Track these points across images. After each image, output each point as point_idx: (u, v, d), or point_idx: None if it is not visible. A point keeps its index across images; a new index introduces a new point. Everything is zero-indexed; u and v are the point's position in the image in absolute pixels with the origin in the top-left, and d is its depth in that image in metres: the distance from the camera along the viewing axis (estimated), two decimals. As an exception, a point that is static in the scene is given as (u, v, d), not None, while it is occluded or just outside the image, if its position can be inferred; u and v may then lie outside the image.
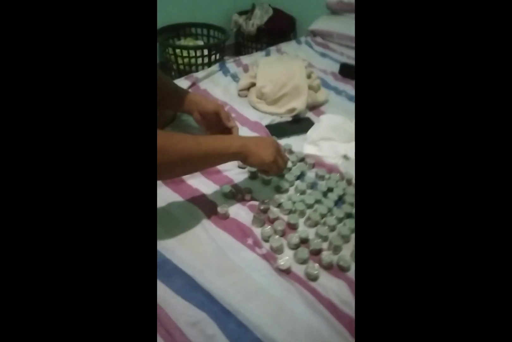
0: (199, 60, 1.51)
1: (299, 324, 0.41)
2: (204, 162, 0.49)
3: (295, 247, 0.50)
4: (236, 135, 0.65)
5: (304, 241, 0.51)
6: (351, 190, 0.60)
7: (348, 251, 0.50)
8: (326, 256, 0.48)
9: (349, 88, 0.95)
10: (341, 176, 0.64)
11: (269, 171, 0.56)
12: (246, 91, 0.88)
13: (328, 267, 0.48)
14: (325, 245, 0.51)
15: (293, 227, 0.53)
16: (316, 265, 0.47)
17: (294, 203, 0.56)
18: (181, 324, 0.39)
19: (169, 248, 0.48)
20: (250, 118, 0.79)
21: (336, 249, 0.50)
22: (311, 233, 0.52)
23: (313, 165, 0.67)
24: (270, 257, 0.48)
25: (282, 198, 0.57)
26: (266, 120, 0.79)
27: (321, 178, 0.63)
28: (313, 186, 0.61)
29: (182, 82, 0.88)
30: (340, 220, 0.55)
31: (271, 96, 0.82)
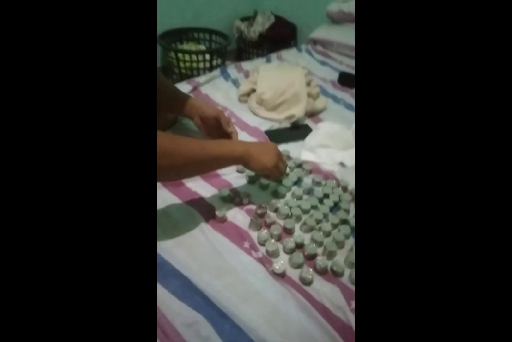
0: (201, 65, 1.53)
1: (293, 327, 0.42)
2: (207, 165, 0.50)
3: (290, 252, 0.51)
4: (238, 140, 0.66)
5: (299, 246, 0.52)
6: (347, 196, 0.61)
7: (342, 257, 0.51)
8: (321, 261, 0.49)
9: (348, 96, 0.97)
10: (337, 183, 0.65)
11: (271, 175, 0.58)
12: (246, 96, 0.90)
13: (322, 272, 0.49)
14: (320, 250, 0.52)
15: (289, 231, 0.54)
16: (311, 269, 0.48)
17: (290, 208, 0.57)
18: (177, 324, 0.40)
19: (167, 249, 0.48)
20: (249, 123, 0.81)
21: (330, 255, 0.51)
22: (306, 238, 0.53)
23: (310, 172, 0.68)
24: (265, 260, 0.49)
25: (279, 203, 0.58)
26: (265, 126, 0.80)
27: (318, 184, 0.64)
28: (309, 191, 0.62)
29: (184, 86, 0.90)
30: (335, 226, 0.56)
31: (270, 103, 0.84)
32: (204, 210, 0.55)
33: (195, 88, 0.92)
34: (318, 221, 0.56)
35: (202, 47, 1.71)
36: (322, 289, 0.46)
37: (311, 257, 0.50)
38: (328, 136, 0.74)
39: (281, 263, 0.48)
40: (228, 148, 0.51)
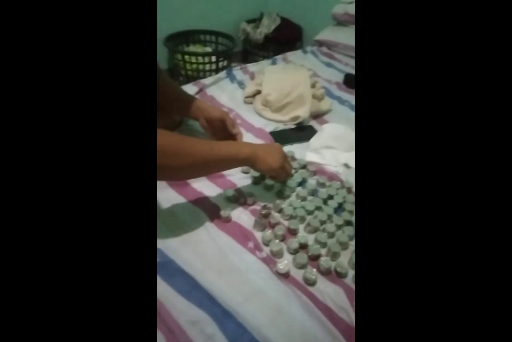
0: (207, 67, 1.55)
1: (296, 327, 0.42)
2: (215, 166, 0.51)
3: (294, 252, 0.51)
4: (245, 142, 0.67)
5: (303, 246, 0.52)
6: (351, 198, 0.61)
7: (346, 258, 0.52)
8: (324, 261, 0.49)
9: (353, 98, 0.97)
10: (341, 184, 0.65)
11: (277, 176, 0.58)
12: (252, 98, 0.91)
13: (326, 273, 0.49)
14: (323, 251, 0.52)
15: (293, 232, 0.55)
16: (314, 270, 0.48)
17: (295, 208, 0.57)
18: (182, 322, 0.40)
19: (172, 248, 0.49)
20: (254, 124, 0.81)
21: (334, 255, 0.51)
22: (310, 238, 0.53)
23: (314, 173, 0.68)
24: (269, 260, 0.49)
25: (283, 204, 0.59)
26: (270, 127, 0.81)
27: (322, 185, 0.65)
28: (314, 193, 0.63)
29: (190, 88, 0.91)
30: (339, 227, 0.56)
31: (275, 104, 0.85)
32: (209, 210, 0.56)
33: (201, 90, 0.93)
34: (322, 222, 0.56)
35: (208, 49, 1.72)
36: (326, 289, 0.47)
37: (315, 258, 0.51)
38: (333, 137, 0.75)
39: (285, 263, 0.48)
40: (235, 150, 0.51)
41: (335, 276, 0.49)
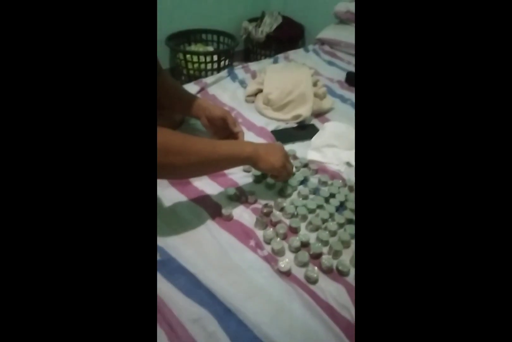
0: (209, 66, 1.55)
1: (297, 325, 0.42)
2: (217, 165, 0.51)
3: (295, 250, 0.51)
4: (247, 141, 0.67)
5: (305, 245, 0.52)
6: (353, 196, 0.61)
7: (347, 256, 0.51)
8: (326, 260, 0.49)
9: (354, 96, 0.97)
10: (343, 183, 0.65)
11: (279, 175, 0.58)
12: (253, 97, 0.91)
13: (328, 271, 0.49)
14: (325, 249, 0.52)
15: (294, 230, 0.55)
16: (316, 268, 0.48)
17: (296, 207, 0.57)
18: (183, 319, 0.40)
19: (174, 246, 0.49)
20: (256, 123, 0.81)
21: (336, 254, 0.51)
22: (312, 237, 0.53)
23: (316, 171, 0.68)
24: (271, 259, 0.49)
25: (285, 202, 0.59)
26: (272, 126, 0.81)
27: (324, 183, 0.65)
28: (315, 191, 0.63)
29: (191, 87, 0.91)
30: (341, 226, 0.56)
31: (277, 103, 0.85)
32: (211, 208, 0.56)
33: (202, 89, 0.93)
34: (324, 220, 0.56)
35: (210, 48, 1.72)
36: (327, 288, 0.47)
37: (317, 256, 0.50)
38: (335, 136, 0.75)
39: (286, 261, 0.48)
40: (237, 148, 0.52)
41: (337, 274, 0.49)
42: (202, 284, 0.45)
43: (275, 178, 0.60)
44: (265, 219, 0.55)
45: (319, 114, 0.87)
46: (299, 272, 0.48)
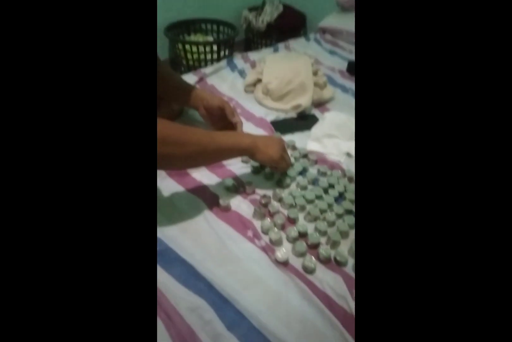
0: (209, 56, 1.53)
1: (294, 315, 0.42)
2: (215, 156, 0.51)
3: (293, 241, 0.51)
4: (245, 133, 0.67)
5: (302, 235, 0.52)
6: (352, 187, 0.60)
7: (345, 247, 0.51)
8: (324, 250, 0.48)
9: (356, 86, 0.95)
10: (342, 173, 0.64)
11: (278, 167, 0.58)
12: (253, 87, 0.89)
13: (325, 261, 0.49)
14: (323, 240, 0.52)
15: (292, 221, 0.54)
16: (313, 258, 0.48)
17: (294, 197, 0.57)
18: (180, 309, 0.41)
19: (171, 237, 0.49)
20: (255, 114, 0.80)
21: (334, 244, 0.51)
22: (310, 227, 0.53)
23: (315, 162, 0.67)
24: (268, 249, 0.49)
25: (283, 193, 0.58)
26: (271, 117, 0.80)
27: (323, 174, 0.64)
28: (314, 182, 0.62)
29: (190, 77, 0.90)
30: (339, 216, 0.55)
31: (277, 92, 0.83)
32: (209, 199, 0.56)
33: (201, 79, 0.92)
34: (322, 211, 0.56)
35: (210, 38, 1.69)
36: (325, 277, 0.47)
37: (314, 246, 0.50)
38: (335, 126, 0.73)
39: (284, 251, 0.48)
40: (236, 140, 0.52)
41: (334, 264, 0.49)
42: (200, 274, 0.45)
43: (274, 169, 0.60)
44: (263, 209, 0.55)
45: (320, 104, 0.86)
46: (296, 262, 0.48)
